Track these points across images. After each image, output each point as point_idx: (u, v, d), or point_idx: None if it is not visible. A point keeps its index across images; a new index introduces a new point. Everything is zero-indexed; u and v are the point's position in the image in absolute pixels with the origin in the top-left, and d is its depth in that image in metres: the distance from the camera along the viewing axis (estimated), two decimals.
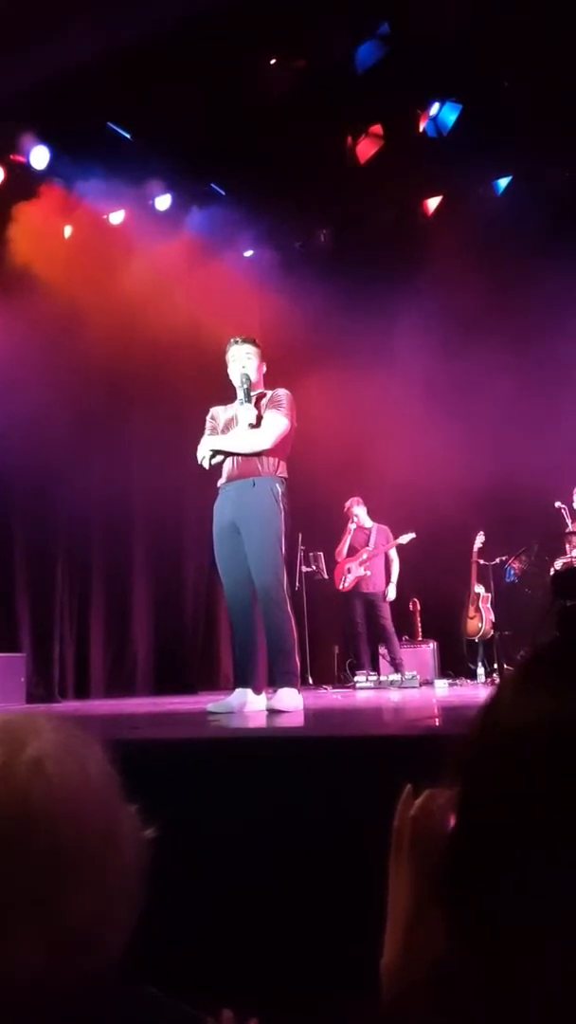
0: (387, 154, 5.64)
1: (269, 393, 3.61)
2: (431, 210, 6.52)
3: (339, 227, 6.88)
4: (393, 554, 6.78)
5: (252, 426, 3.47)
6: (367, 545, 6.74)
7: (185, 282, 6.57)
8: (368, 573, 6.66)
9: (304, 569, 6.87)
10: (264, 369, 3.69)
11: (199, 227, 6.62)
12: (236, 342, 3.64)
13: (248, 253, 7.18)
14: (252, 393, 3.59)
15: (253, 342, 3.66)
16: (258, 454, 3.49)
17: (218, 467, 3.61)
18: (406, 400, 6.96)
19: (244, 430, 3.48)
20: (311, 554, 6.93)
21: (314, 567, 6.90)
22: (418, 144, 5.56)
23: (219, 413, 3.68)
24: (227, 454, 3.54)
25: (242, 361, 3.60)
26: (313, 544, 6.98)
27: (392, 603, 6.61)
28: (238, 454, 3.51)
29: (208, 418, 3.71)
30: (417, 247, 6.51)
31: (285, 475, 3.55)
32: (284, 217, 6.68)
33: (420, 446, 6.73)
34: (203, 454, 3.55)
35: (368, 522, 6.86)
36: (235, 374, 3.60)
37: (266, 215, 6.62)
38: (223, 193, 6.57)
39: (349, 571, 6.72)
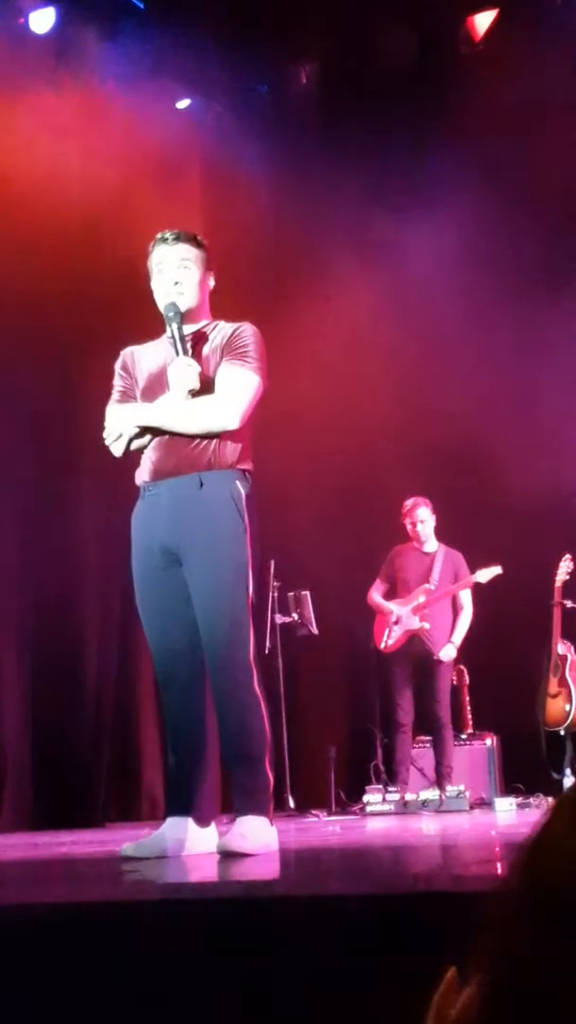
0: None
1: (221, 330, 3.68)
2: (479, 33, 6.69)
3: (329, 62, 7.04)
4: (466, 599, 6.88)
5: (193, 393, 3.54)
6: (428, 580, 6.83)
7: (82, 152, 6.74)
8: (427, 626, 6.77)
9: (279, 620, 6.91)
10: (211, 285, 3.75)
11: (105, 63, 6.73)
12: (164, 240, 3.69)
13: (183, 104, 7.30)
14: (189, 331, 3.65)
15: (193, 240, 3.71)
16: (211, 435, 3.55)
17: (137, 455, 3.67)
18: (433, 339, 7.13)
19: (183, 398, 3.55)
20: (291, 594, 6.98)
21: (296, 615, 6.94)
22: None
23: (138, 359, 3.76)
24: (157, 433, 3.60)
25: (173, 274, 3.65)
26: (292, 576, 7.03)
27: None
28: (176, 434, 3.57)
29: (117, 368, 3.78)
30: (452, 94, 6.68)
31: (249, 467, 3.64)
32: (242, 47, 6.77)
33: (461, 418, 6.86)
34: (115, 432, 3.61)
35: (432, 542, 6.94)
36: (161, 298, 3.67)
37: (213, 43, 6.73)
38: (141, 7, 6.66)
39: (398, 621, 6.82)
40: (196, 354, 3.62)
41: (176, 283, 3.62)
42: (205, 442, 3.55)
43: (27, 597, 6.53)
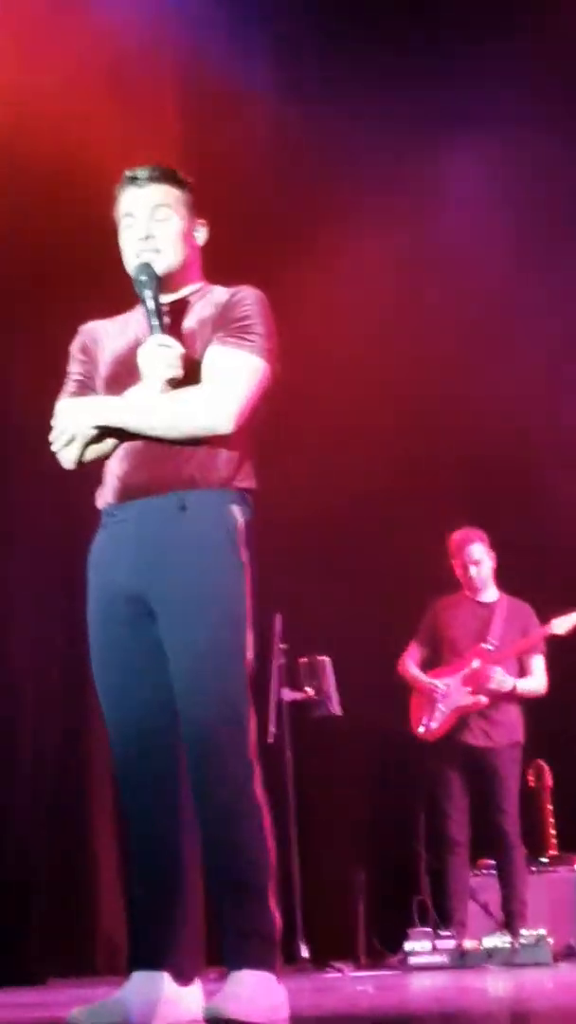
0: None
1: (213, 297, 3.72)
2: None
3: None
4: (538, 667, 6.94)
5: (173, 383, 3.56)
6: (486, 639, 6.89)
7: (12, 53, 6.74)
8: (483, 699, 6.80)
9: (288, 696, 6.86)
10: (200, 239, 3.79)
11: None
12: (134, 181, 3.73)
13: None
14: (169, 300, 3.68)
15: (173, 179, 3.75)
16: (197, 441, 3.55)
17: (98, 466, 3.68)
18: (477, 315, 7.36)
19: (158, 390, 3.57)
20: (304, 661, 6.97)
21: (311, 689, 6.93)
22: None
23: (101, 338, 3.81)
24: (124, 437, 3.60)
25: (145, 226, 3.69)
26: (305, 637, 7.01)
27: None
28: (149, 440, 3.58)
29: (74, 351, 3.82)
30: None
31: (252, 485, 3.67)
32: None
33: (518, 418, 6.98)
34: (66, 435, 3.62)
35: (491, 589, 7.03)
36: (131, 258, 3.71)
37: None
38: None
39: (444, 697, 6.87)
40: (177, 329, 3.63)
41: (148, 237, 3.65)
42: (189, 451, 3.55)
43: None
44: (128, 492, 3.58)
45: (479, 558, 6.90)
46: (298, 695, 6.86)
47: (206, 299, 3.68)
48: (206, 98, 7.12)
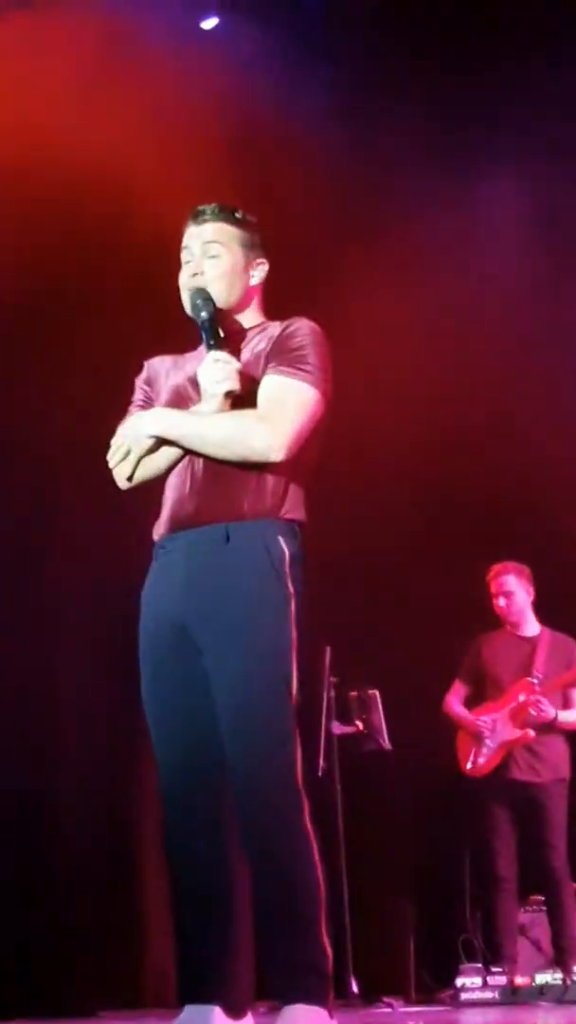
0: None
1: (269, 328, 3.71)
2: None
3: None
4: None
5: (230, 399, 3.54)
6: (530, 673, 6.85)
7: (67, 93, 6.77)
8: (531, 732, 6.76)
9: (338, 729, 6.82)
10: (258, 277, 3.78)
11: None
12: (194, 218, 3.74)
13: (209, 24, 7.40)
14: (221, 331, 3.65)
15: (229, 216, 3.75)
16: (247, 466, 3.53)
17: (153, 492, 3.66)
18: (541, 344, 7.33)
19: (218, 405, 3.55)
20: (354, 695, 6.93)
21: (361, 723, 6.89)
22: None
23: (164, 370, 3.81)
24: (178, 458, 3.61)
25: (197, 262, 3.69)
26: (354, 670, 6.97)
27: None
28: (202, 457, 3.57)
29: (139, 383, 3.84)
30: None
31: (301, 517, 3.63)
32: None
33: None
34: (122, 449, 3.62)
35: (531, 623, 7.00)
36: (183, 291, 3.72)
37: None
38: None
39: (489, 732, 6.84)
40: (235, 357, 3.61)
41: (196, 274, 3.67)
42: (240, 479, 3.52)
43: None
44: (177, 523, 3.57)
45: (511, 590, 6.91)
46: (348, 729, 6.81)
47: (262, 334, 3.67)
48: (255, 128, 7.13)
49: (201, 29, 7.35)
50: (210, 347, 3.58)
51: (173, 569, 3.56)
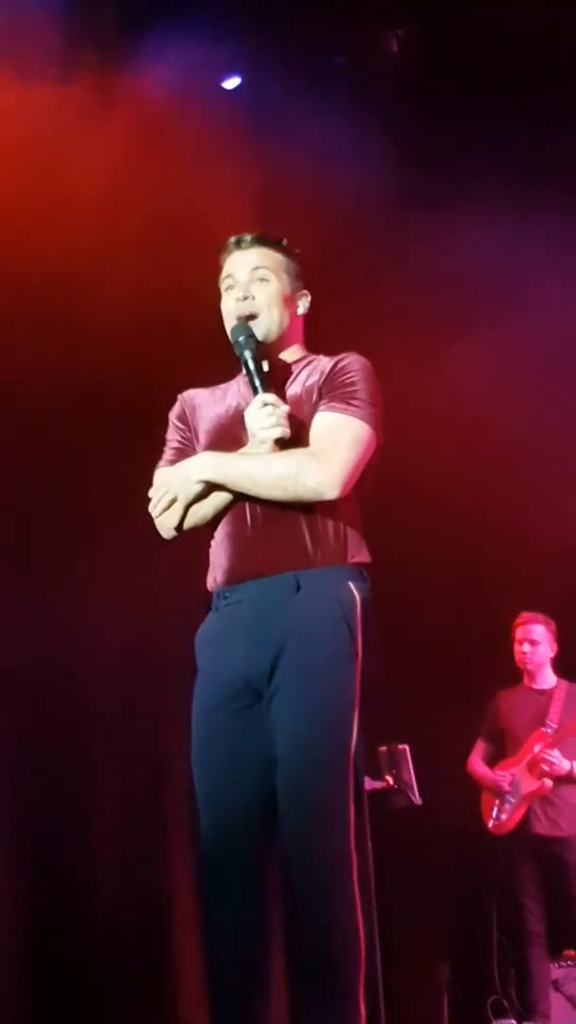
0: None
1: (318, 361, 3.67)
2: None
3: (433, 23, 7.11)
4: None
5: (280, 444, 3.48)
6: (546, 724, 6.87)
7: (95, 154, 6.77)
8: (549, 783, 6.76)
9: (368, 784, 6.68)
10: (304, 305, 3.76)
11: (124, 27, 6.83)
12: (238, 245, 3.72)
13: (231, 84, 7.41)
14: (266, 364, 3.60)
15: (275, 244, 3.74)
16: (305, 508, 3.46)
17: (206, 538, 3.60)
18: None
19: (264, 450, 3.49)
20: (383, 749, 6.84)
21: (391, 778, 6.80)
22: None
23: (200, 405, 3.76)
24: (230, 504, 3.52)
25: (245, 287, 3.65)
26: (384, 724, 6.87)
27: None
28: (256, 502, 3.50)
29: (172, 419, 3.78)
30: None
31: (366, 559, 3.59)
32: (310, 3, 6.86)
33: None
34: (168, 497, 3.55)
35: (548, 675, 7.05)
36: (229, 321, 3.68)
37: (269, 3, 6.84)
38: None
39: (510, 787, 6.82)
40: (281, 396, 3.56)
41: (247, 298, 3.63)
42: (302, 523, 3.48)
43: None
44: (240, 573, 3.52)
45: (536, 639, 6.97)
46: (377, 784, 6.72)
47: (311, 367, 3.65)
48: (281, 186, 7.15)
49: (223, 89, 7.37)
50: (256, 388, 3.53)
51: (238, 621, 3.50)
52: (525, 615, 7.03)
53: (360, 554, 3.54)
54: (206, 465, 3.52)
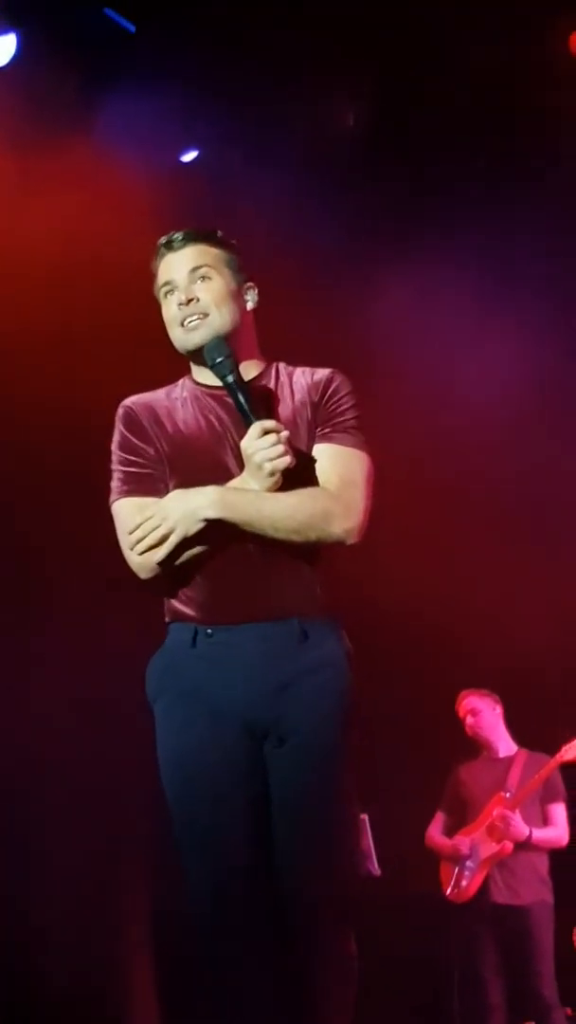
0: None
1: (294, 381, 3.44)
2: None
3: (391, 98, 7.08)
4: (559, 816, 6.81)
5: (284, 475, 3.21)
6: (505, 789, 6.78)
7: (52, 229, 6.74)
8: (509, 846, 6.65)
9: None
10: (253, 299, 3.49)
11: (83, 103, 6.80)
12: (169, 246, 3.43)
13: (189, 156, 7.41)
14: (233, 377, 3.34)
15: (212, 238, 3.46)
16: (313, 552, 3.29)
17: (181, 579, 3.31)
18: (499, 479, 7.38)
19: (268, 485, 3.22)
20: None
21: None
22: None
23: (159, 416, 3.43)
24: (222, 540, 3.24)
25: (187, 289, 3.37)
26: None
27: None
28: (250, 552, 3.27)
29: (122, 430, 3.42)
30: (559, 130, 6.83)
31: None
32: (266, 77, 6.84)
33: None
34: (160, 531, 3.22)
35: (505, 741, 6.96)
36: (179, 335, 3.40)
37: (227, 74, 6.78)
38: (132, 29, 6.71)
39: (468, 853, 6.71)
40: (269, 415, 3.31)
41: (191, 300, 3.36)
42: (305, 570, 3.29)
43: None
44: (235, 614, 3.28)
45: (477, 708, 6.89)
46: None
47: (288, 380, 3.44)
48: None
49: (180, 161, 7.37)
50: (247, 414, 3.23)
51: (236, 662, 3.26)
52: (463, 692, 7.00)
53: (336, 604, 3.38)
54: (216, 501, 3.20)
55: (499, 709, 6.95)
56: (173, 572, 3.29)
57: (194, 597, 3.32)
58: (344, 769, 3.30)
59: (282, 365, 3.48)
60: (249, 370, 3.40)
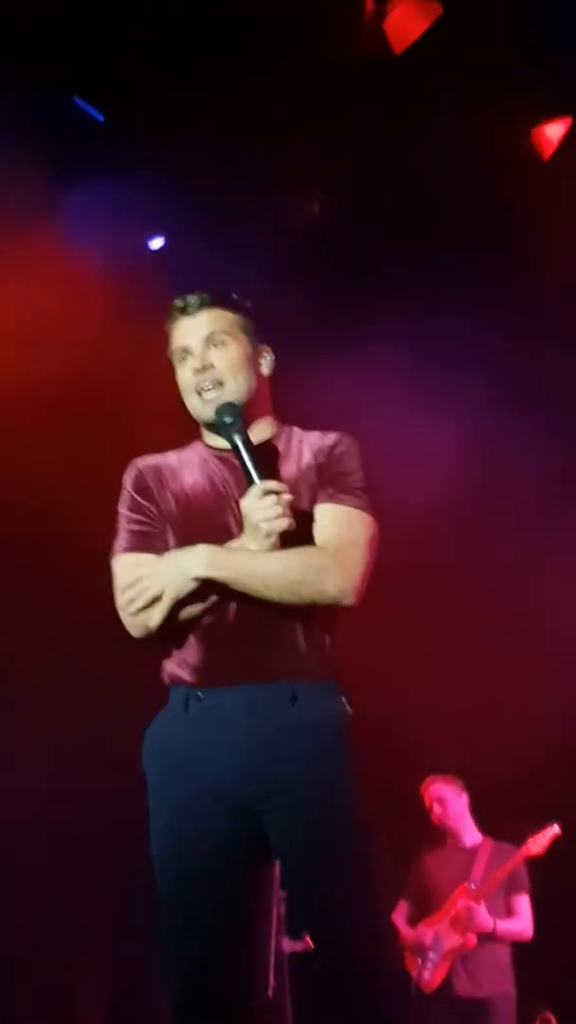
0: (450, 29, 5.99)
1: (306, 444, 3.40)
2: (552, 142, 6.79)
3: (359, 189, 7.09)
4: (523, 907, 6.74)
5: (283, 537, 3.14)
6: (470, 880, 6.71)
7: (17, 305, 6.80)
8: (473, 939, 6.58)
9: (288, 947, 6.46)
10: (268, 364, 3.44)
11: (51, 191, 6.78)
12: (183, 310, 3.37)
13: (156, 243, 7.45)
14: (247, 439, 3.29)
15: (227, 302, 3.42)
16: (308, 612, 3.20)
17: (177, 640, 3.26)
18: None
19: (265, 547, 3.16)
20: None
21: (311, 940, 6.62)
22: (520, 8, 6.07)
23: (164, 477, 3.40)
24: (216, 602, 3.20)
25: (202, 355, 3.32)
26: None
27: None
28: (244, 612, 3.20)
29: (129, 490, 3.39)
30: (524, 223, 6.83)
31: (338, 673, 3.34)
32: (234, 167, 6.84)
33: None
34: (151, 590, 3.17)
35: (471, 831, 6.90)
36: (195, 403, 3.35)
37: (195, 163, 6.79)
38: (100, 118, 6.75)
39: (434, 945, 6.65)
40: (274, 476, 3.25)
41: (206, 367, 3.30)
42: (299, 630, 3.20)
43: None
44: (223, 676, 3.20)
45: (444, 796, 6.83)
46: (297, 946, 6.45)
47: (299, 443, 3.38)
48: None
49: (149, 249, 7.40)
50: (251, 476, 3.17)
51: (223, 727, 3.18)
52: (429, 778, 6.93)
53: (337, 665, 3.28)
54: (208, 561, 3.13)
55: (465, 797, 6.89)
56: (169, 633, 3.23)
57: (188, 659, 3.25)
58: (357, 821, 3.18)
59: (296, 429, 3.42)
60: (261, 432, 3.36)
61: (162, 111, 6.47)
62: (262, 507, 3.13)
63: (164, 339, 3.41)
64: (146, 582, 3.17)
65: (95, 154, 6.74)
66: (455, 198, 6.95)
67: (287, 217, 7.24)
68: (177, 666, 3.27)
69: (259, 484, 3.15)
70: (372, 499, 3.29)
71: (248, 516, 3.15)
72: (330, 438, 3.37)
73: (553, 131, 6.68)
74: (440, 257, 7.15)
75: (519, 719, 7.21)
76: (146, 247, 7.36)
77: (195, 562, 3.15)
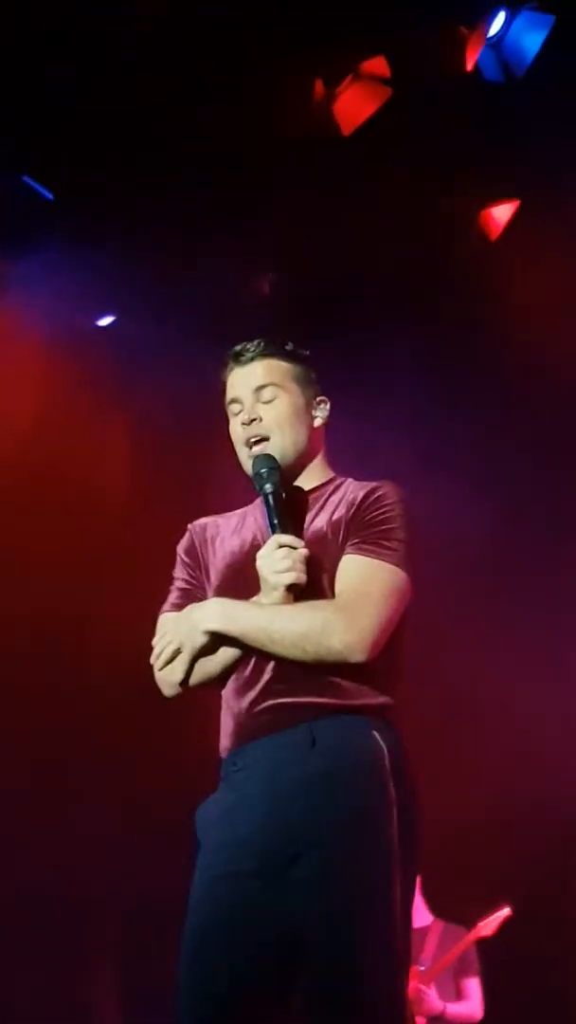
0: (400, 113, 6.03)
1: (346, 488, 3.32)
2: (499, 224, 6.82)
3: (308, 269, 7.05)
4: (474, 990, 6.68)
5: (294, 591, 3.07)
6: (419, 962, 6.58)
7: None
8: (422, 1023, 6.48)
9: None
10: (322, 415, 3.38)
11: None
12: (239, 357, 3.32)
13: (105, 321, 7.41)
14: (291, 491, 3.28)
15: (281, 352, 3.34)
16: (332, 665, 3.05)
17: (212, 694, 3.20)
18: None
19: (279, 598, 3.08)
20: None
21: None
22: (466, 92, 6.02)
23: (214, 537, 3.37)
24: (240, 659, 3.11)
25: (251, 408, 3.27)
26: None
27: None
28: (267, 668, 3.10)
29: (182, 551, 3.38)
30: (474, 302, 6.89)
31: (388, 700, 3.16)
32: (183, 243, 6.83)
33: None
34: (172, 647, 3.12)
35: (424, 913, 6.78)
36: (239, 447, 3.31)
37: (145, 240, 6.80)
38: (49, 196, 6.69)
39: None
40: (303, 528, 3.20)
41: (253, 421, 3.24)
42: (323, 673, 3.04)
43: None
44: (248, 733, 3.10)
45: None
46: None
47: (338, 496, 3.28)
48: (155, 422, 7.14)
49: (97, 326, 7.36)
50: (273, 527, 3.12)
51: (247, 788, 3.06)
52: None
53: (382, 695, 3.10)
54: (216, 614, 3.07)
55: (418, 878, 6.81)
56: (205, 696, 3.18)
57: (225, 723, 3.18)
58: (377, 890, 2.95)
59: (349, 480, 3.32)
60: (309, 482, 3.31)
61: (112, 188, 6.45)
62: (272, 560, 3.06)
63: (221, 387, 3.36)
64: (168, 637, 3.14)
65: (44, 232, 6.71)
66: (403, 278, 6.97)
67: (238, 296, 7.21)
68: (221, 734, 3.19)
69: (274, 537, 3.09)
70: (405, 550, 3.15)
71: (260, 569, 3.08)
72: (367, 487, 3.26)
73: (501, 212, 6.72)
74: (392, 335, 7.16)
75: (470, 801, 7.14)
76: (94, 324, 7.37)
77: (207, 616, 3.10)
